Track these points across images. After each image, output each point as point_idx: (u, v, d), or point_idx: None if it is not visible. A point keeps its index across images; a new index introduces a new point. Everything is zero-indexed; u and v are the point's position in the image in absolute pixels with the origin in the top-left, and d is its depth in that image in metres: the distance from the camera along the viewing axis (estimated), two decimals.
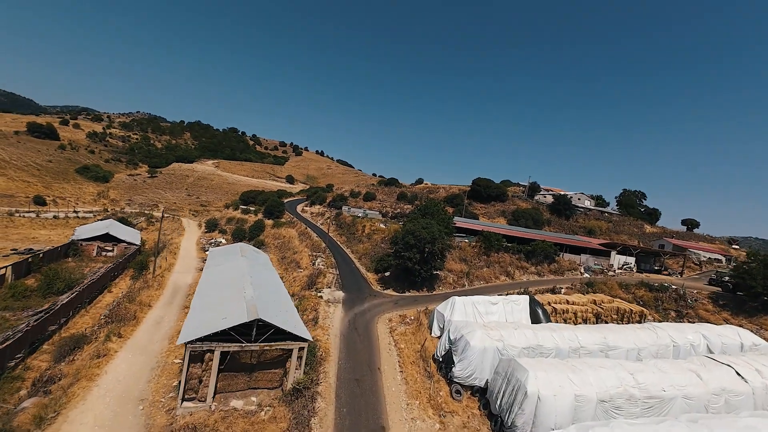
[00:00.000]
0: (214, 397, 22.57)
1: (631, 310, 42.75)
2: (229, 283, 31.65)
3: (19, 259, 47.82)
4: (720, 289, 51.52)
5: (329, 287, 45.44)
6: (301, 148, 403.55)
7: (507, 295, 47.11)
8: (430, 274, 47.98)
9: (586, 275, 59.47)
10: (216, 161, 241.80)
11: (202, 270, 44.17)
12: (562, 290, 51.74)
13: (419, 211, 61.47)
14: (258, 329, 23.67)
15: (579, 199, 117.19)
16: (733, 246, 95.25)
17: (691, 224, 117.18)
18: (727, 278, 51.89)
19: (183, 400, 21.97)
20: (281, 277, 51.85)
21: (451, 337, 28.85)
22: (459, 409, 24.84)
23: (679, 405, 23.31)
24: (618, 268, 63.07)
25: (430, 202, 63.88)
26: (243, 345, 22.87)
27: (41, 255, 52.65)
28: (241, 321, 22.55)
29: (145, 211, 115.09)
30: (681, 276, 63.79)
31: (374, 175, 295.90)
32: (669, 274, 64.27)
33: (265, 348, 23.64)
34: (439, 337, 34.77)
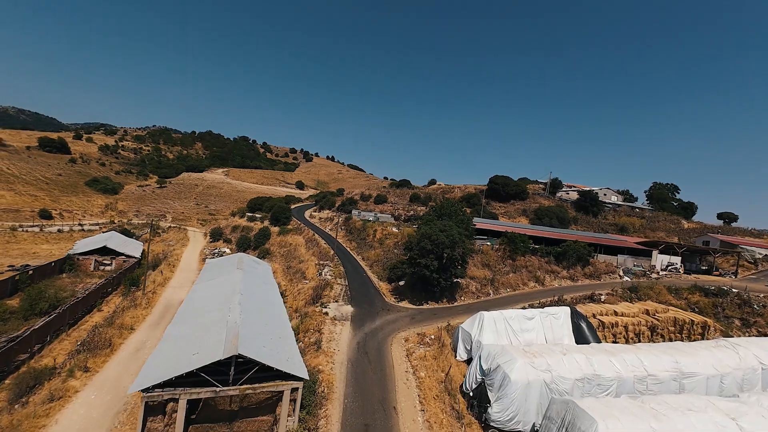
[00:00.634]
0: None
1: (692, 320, 36.15)
2: (215, 304, 26.73)
3: (4, 277, 44.24)
4: None
5: (336, 301, 40.21)
6: (312, 154, 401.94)
7: (541, 305, 41.15)
8: (450, 282, 42.28)
9: (626, 278, 52.68)
10: (225, 169, 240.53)
11: None
12: (602, 297, 45.27)
13: (435, 212, 55.79)
14: (240, 366, 18.56)
15: (605, 194, 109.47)
16: None
17: (728, 218, 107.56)
18: None
19: None
20: (284, 291, 46.98)
21: (484, 367, 23.11)
22: None
23: None
24: (661, 270, 55.97)
25: (447, 202, 58.14)
26: (217, 390, 17.74)
27: (30, 272, 49.09)
28: (214, 359, 17.45)
29: (152, 222, 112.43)
30: (735, 277, 56.26)
31: (385, 178, 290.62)
32: (721, 275, 56.81)
33: (248, 391, 18.46)
34: (465, 362, 29.11)
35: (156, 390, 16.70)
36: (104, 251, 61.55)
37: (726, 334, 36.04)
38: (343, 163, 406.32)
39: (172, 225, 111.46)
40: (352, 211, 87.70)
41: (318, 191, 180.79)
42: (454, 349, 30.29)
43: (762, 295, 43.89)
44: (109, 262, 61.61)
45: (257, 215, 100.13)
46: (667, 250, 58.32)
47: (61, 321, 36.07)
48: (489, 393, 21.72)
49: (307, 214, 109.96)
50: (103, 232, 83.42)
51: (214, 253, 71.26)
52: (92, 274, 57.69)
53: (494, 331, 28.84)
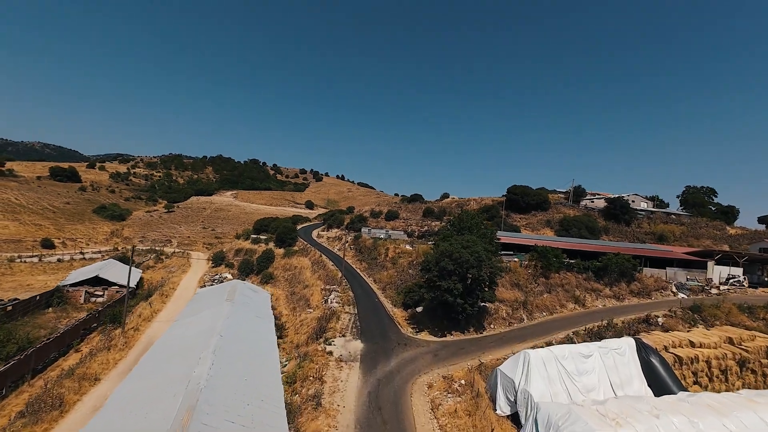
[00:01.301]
0: None
1: None
2: (185, 351, 20.95)
3: None
4: None
5: (343, 335, 33.93)
6: (322, 174, 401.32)
7: (588, 333, 34.07)
8: (476, 309, 35.65)
9: (681, 295, 45.11)
10: (234, 192, 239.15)
11: None
12: (660, 320, 37.91)
13: (453, 226, 49.57)
14: None
15: (633, 201, 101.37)
16: None
17: None
18: None
19: None
20: (284, 323, 40.90)
21: None
22: None
23: None
24: (721, 283, 48.16)
25: (466, 214, 51.94)
26: None
27: (9, 307, 44.48)
28: None
29: (156, 248, 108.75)
30: None
31: (396, 194, 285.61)
32: None
33: None
34: (508, 417, 22.40)
35: None
36: (96, 281, 57.11)
37: None
38: (353, 182, 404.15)
39: (177, 250, 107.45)
40: (362, 229, 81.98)
41: (327, 210, 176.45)
42: (492, 400, 23.61)
43: None
44: (100, 293, 56.90)
45: (262, 237, 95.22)
46: (725, 260, 50.53)
47: (23, 368, 30.83)
48: None
49: (314, 233, 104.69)
50: (105, 260, 79.58)
51: (215, 280, 65.95)
52: (81, 307, 52.91)
53: (545, 376, 22.18)
